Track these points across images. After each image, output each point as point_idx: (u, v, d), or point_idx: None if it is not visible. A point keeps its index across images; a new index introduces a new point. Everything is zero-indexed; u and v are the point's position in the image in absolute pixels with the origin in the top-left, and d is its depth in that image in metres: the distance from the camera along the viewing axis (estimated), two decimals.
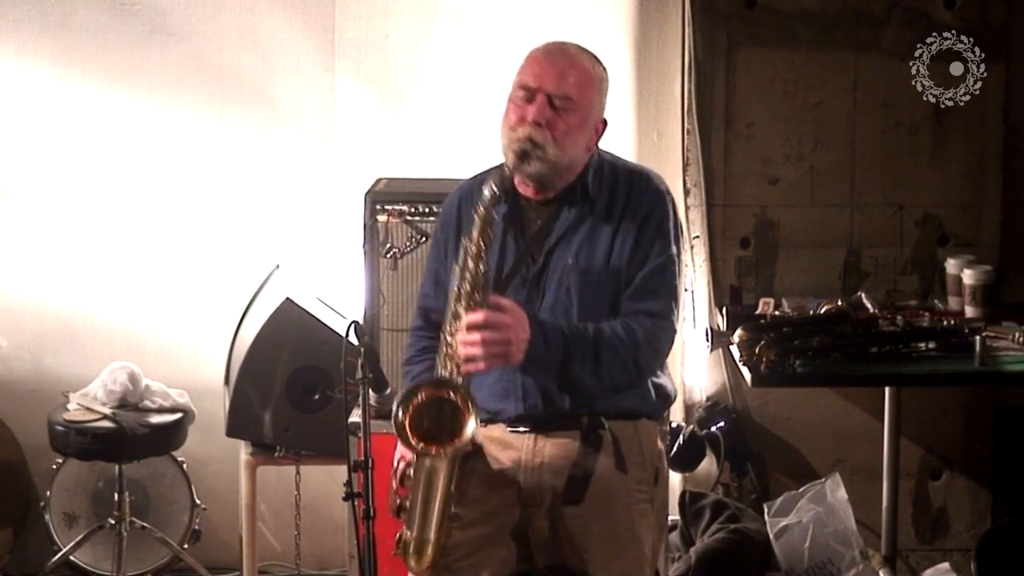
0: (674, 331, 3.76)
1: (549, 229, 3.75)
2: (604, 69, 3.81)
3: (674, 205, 3.82)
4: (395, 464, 3.80)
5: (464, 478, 3.75)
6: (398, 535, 3.73)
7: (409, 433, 3.61)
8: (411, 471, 3.72)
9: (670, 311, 3.73)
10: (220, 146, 5.72)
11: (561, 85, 3.68)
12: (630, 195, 3.75)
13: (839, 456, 5.66)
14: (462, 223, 3.83)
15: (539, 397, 3.74)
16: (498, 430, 3.80)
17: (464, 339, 3.61)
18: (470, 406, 3.61)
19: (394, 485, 3.80)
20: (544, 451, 3.76)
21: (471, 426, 3.60)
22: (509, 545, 3.81)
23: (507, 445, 3.79)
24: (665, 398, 3.86)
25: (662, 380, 3.85)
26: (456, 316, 3.64)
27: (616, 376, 3.68)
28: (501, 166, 3.74)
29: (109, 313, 5.78)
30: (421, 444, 3.61)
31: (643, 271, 3.71)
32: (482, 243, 3.64)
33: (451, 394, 3.62)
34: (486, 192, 3.65)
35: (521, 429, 3.78)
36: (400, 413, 3.59)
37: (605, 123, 3.80)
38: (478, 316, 3.59)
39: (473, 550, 3.79)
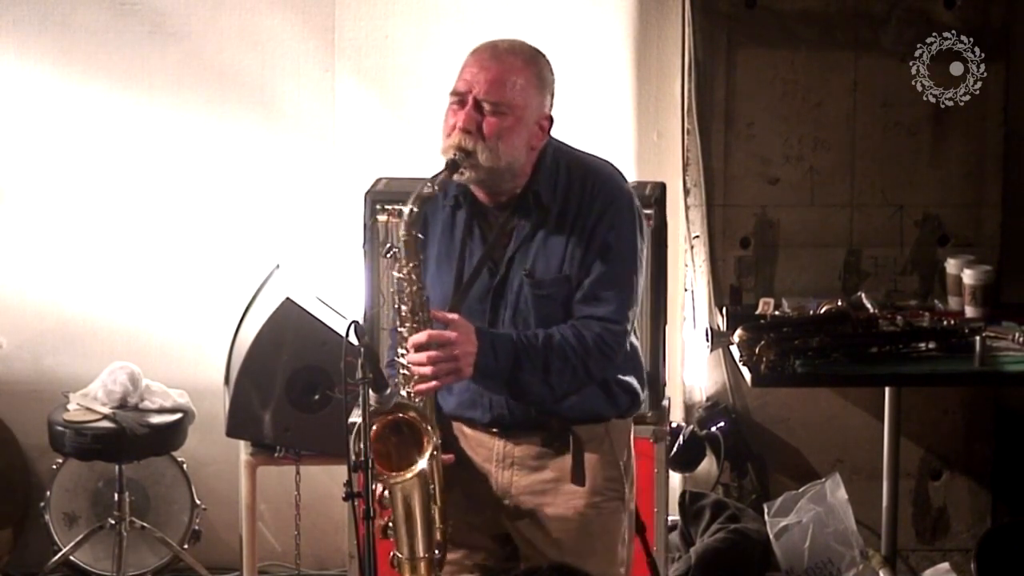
0: (625, 334, 3.71)
1: (508, 238, 3.73)
2: (545, 64, 3.74)
3: (630, 200, 3.73)
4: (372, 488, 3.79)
5: (450, 483, 3.75)
6: (391, 555, 3.74)
7: (376, 464, 3.60)
8: (387, 493, 3.72)
9: (621, 315, 3.69)
10: (220, 146, 5.72)
11: (489, 89, 3.64)
12: (583, 196, 3.69)
13: (839, 456, 5.66)
14: (427, 225, 3.79)
15: (505, 407, 3.74)
16: (470, 429, 3.81)
17: (412, 359, 3.62)
18: (425, 425, 3.62)
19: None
20: (514, 453, 3.77)
21: (429, 448, 3.61)
22: (491, 546, 3.83)
23: (480, 443, 3.80)
24: (634, 396, 3.83)
25: (629, 379, 3.81)
26: (403, 338, 3.65)
27: (567, 383, 3.67)
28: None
29: (109, 313, 5.78)
30: (385, 474, 3.61)
31: (593, 275, 3.67)
32: (411, 264, 3.63)
33: (404, 417, 3.63)
34: (404, 211, 3.62)
35: (492, 430, 3.79)
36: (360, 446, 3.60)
37: (551, 119, 3.74)
38: (421, 336, 3.60)
39: (458, 556, 3.82)
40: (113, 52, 5.68)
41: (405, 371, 3.67)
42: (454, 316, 3.63)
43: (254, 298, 5.41)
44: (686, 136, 5.59)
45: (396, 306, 3.66)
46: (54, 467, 5.62)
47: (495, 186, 3.71)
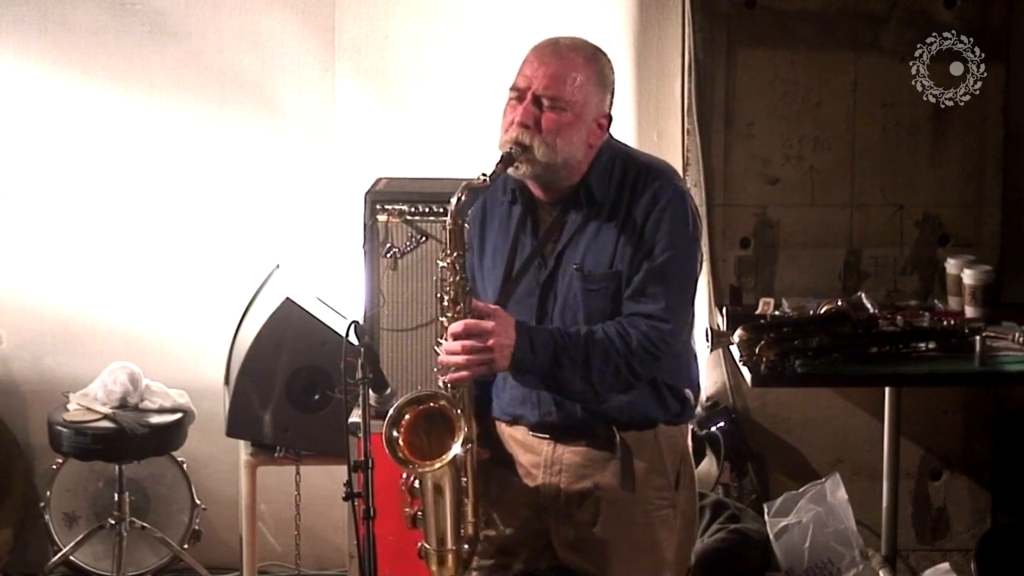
0: (674, 333, 3.67)
1: (559, 232, 3.73)
2: (605, 63, 3.73)
3: (683, 199, 3.71)
4: (403, 476, 3.78)
5: (487, 481, 3.75)
6: (419, 545, 3.73)
7: (406, 452, 3.61)
8: (418, 482, 3.71)
9: (670, 313, 3.65)
10: (220, 146, 5.73)
11: (549, 84, 3.64)
12: (635, 193, 3.69)
13: (839, 456, 5.66)
14: (486, 219, 3.82)
15: (553, 405, 3.72)
16: (521, 432, 3.80)
17: (447, 347, 3.61)
18: (457, 415, 3.61)
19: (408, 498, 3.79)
20: (563, 458, 3.75)
21: (460, 437, 3.59)
22: (531, 547, 3.81)
23: (529, 448, 3.79)
24: (684, 402, 3.80)
25: (680, 384, 3.78)
26: (443, 328, 3.65)
27: (609, 381, 3.63)
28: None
29: (109, 313, 5.78)
30: (416, 463, 3.61)
31: (642, 272, 3.65)
32: (455, 254, 3.63)
33: (437, 406, 3.62)
34: (452, 202, 3.62)
35: (542, 435, 3.77)
36: (393, 433, 3.60)
37: (609, 118, 3.74)
38: (458, 325, 3.59)
39: (495, 552, 3.81)
40: (113, 52, 5.68)
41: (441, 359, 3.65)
42: (495, 307, 3.63)
43: (254, 298, 5.41)
44: (686, 136, 5.59)
45: (438, 295, 3.66)
46: (54, 467, 5.62)
47: (551, 182, 3.71)
